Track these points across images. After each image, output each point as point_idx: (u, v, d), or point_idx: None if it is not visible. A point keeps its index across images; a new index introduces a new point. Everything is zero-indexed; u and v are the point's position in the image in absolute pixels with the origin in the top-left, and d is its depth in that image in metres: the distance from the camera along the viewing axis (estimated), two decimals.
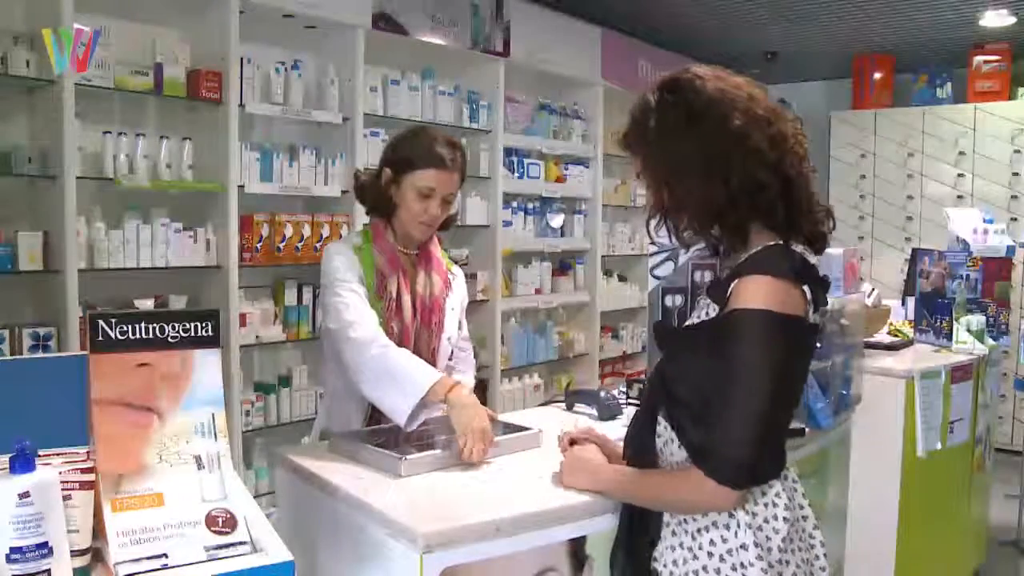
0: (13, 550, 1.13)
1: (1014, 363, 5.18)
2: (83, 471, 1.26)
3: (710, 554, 1.40)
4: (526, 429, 2.02)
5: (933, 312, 3.83)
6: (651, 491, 1.48)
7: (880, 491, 3.10)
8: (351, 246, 2.19)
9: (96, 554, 1.25)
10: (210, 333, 1.39)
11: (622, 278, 6.13)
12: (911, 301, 4.13)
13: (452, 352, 2.29)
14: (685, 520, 1.44)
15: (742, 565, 1.38)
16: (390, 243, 2.19)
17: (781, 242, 1.42)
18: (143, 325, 1.33)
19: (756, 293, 1.34)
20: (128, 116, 3.35)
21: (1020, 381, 4.62)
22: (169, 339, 1.35)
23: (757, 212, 1.41)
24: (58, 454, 1.28)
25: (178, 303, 3.34)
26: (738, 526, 1.40)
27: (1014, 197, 6.11)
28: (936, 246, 4.48)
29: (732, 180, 1.38)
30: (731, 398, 1.33)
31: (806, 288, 1.39)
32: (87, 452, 1.30)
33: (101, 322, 1.31)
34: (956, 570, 3.65)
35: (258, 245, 3.59)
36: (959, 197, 6.27)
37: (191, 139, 3.41)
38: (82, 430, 1.32)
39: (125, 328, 1.32)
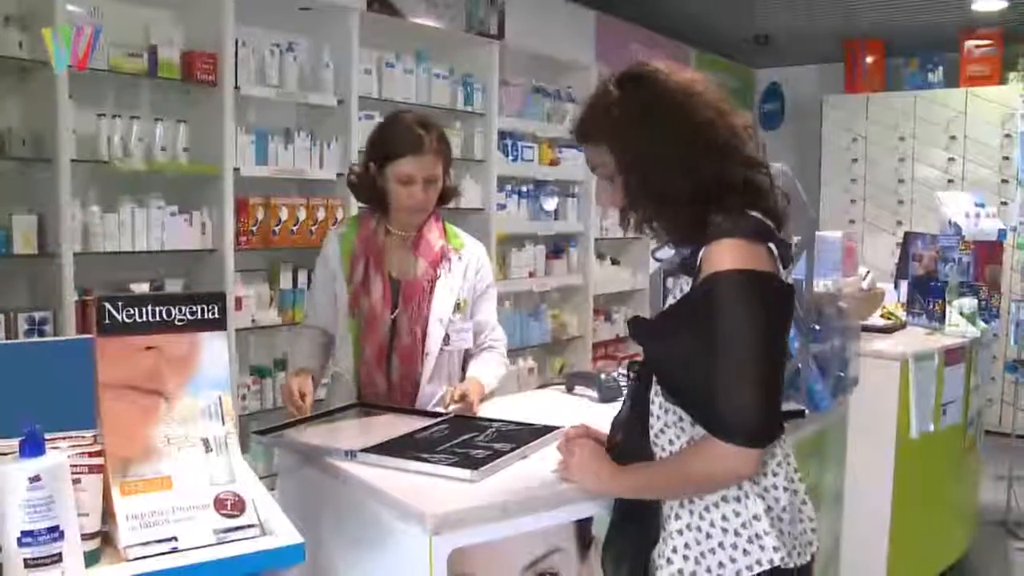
0: (24, 534, 1.13)
1: (1004, 346, 5.22)
2: (91, 455, 1.25)
3: (724, 530, 1.40)
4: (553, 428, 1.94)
5: (926, 295, 3.85)
6: (671, 476, 1.44)
7: (875, 472, 3.12)
8: (338, 234, 2.33)
9: (105, 537, 1.25)
10: (216, 316, 1.40)
11: (615, 261, 6.14)
12: (904, 284, 4.15)
13: (448, 336, 2.28)
14: (691, 501, 1.43)
15: (757, 536, 1.39)
16: (372, 228, 2.28)
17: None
18: (150, 308, 1.33)
19: (726, 255, 1.35)
20: (122, 98, 3.32)
21: (1010, 364, 4.65)
22: (176, 322, 1.35)
23: (718, 203, 1.41)
24: (64, 438, 1.28)
25: (174, 287, 3.33)
26: (747, 496, 1.41)
27: (1004, 181, 6.13)
28: (927, 230, 4.50)
29: (698, 170, 1.39)
30: (727, 361, 1.33)
31: (771, 245, 1.40)
32: (94, 436, 1.29)
33: (108, 305, 1.31)
34: (947, 549, 3.69)
35: (253, 228, 3.57)
36: (950, 181, 6.29)
37: (186, 122, 3.39)
38: (89, 414, 1.32)
39: (132, 311, 1.32)
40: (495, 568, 1.49)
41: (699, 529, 1.42)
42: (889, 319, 3.88)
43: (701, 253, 1.38)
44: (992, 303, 4.01)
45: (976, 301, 3.81)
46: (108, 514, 1.25)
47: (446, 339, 2.28)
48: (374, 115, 4.07)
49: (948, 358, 3.44)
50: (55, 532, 1.15)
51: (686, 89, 1.42)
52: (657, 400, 1.48)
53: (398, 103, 4.20)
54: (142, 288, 3.17)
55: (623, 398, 1.64)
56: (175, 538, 1.22)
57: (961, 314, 3.70)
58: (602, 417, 2.01)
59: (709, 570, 1.40)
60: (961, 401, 3.55)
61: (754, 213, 1.43)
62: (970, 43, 6.29)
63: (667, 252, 1.92)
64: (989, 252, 4.25)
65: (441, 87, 4.48)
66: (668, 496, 1.46)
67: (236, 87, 3.47)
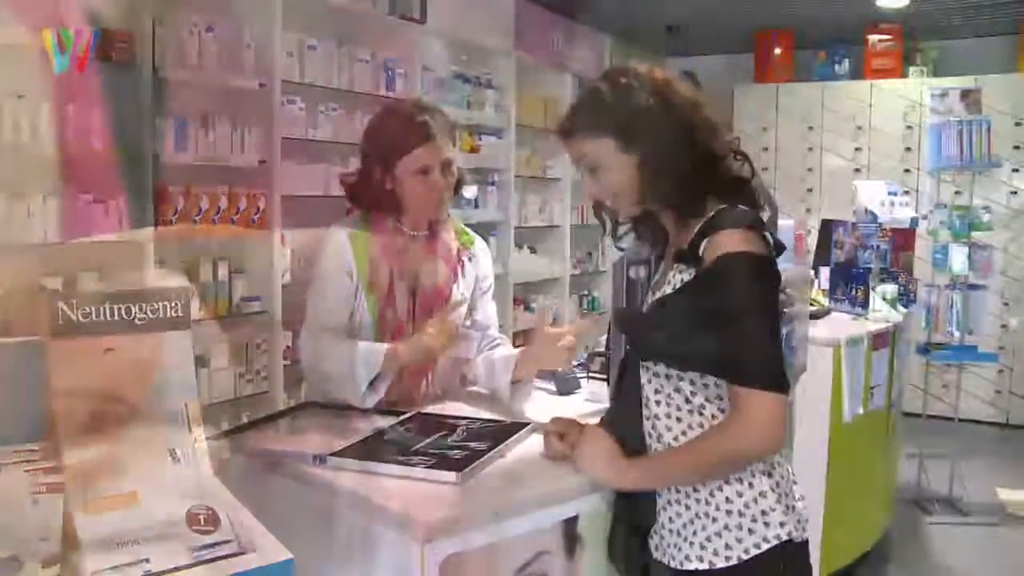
0: None
1: (915, 330, 5.42)
2: (48, 471, 1.13)
3: (728, 512, 1.44)
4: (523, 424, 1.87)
5: (848, 281, 3.96)
6: (699, 457, 1.45)
7: (810, 456, 3.17)
8: (347, 232, 2.10)
9: (64, 563, 1.12)
10: (180, 313, 1.27)
11: (532, 250, 6.11)
12: (824, 270, 4.25)
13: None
14: (695, 489, 1.46)
15: (763, 513, 1.44)
16: (389, 228, 2.09)
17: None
18: (107, 306, 1.21)
19: (733, 242, 1.43)
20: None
21: (921, 347, 4.84)
22: (136, 321, 1.23)
23: (712, 181, 1.53)
24: (12, 451, 1.15)
25: (88, 281, 3.11)
26: (753, 476, 1.45)
27: (907, 171, 6.39)
28: (836, 217, 4.62)
29: (697, 146, 1.51)
30: (743, 323, 1.40)
31: (767, 235, 1.49)
32: (43, 449, 1.17)
33: (61, 304, 1.18)
34: (872, 528, 3.82)
35: (173, 218, 3.36)
36: (856, 170, 6.52)
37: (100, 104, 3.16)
38: (39, 424, 1.19)
39: (88, 309, 1.19)
40: (487, 574, 1.42)
41: (706, 515, 1.45)
42: (812, 305, 3.96)
43: (704, 244, 1.46)
44: (910, 289, 4.15)
45: (897, 287, 3.93)
46: (67, 537, 1.13)
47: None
48: (295, 99, 3.93)
49: (875, 343, 3.54)
50: (15, 562, 1.03)
51: (666, 81, 1.55)
52: (650, 386, 1.52)
53: (320, 88, 4.06)
54: (55, 283, 2.95)
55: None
56: (147, 560, 1.11)
57: (884, 299, 3.82)
58: (562, 410, 1.96)
59: (716, 552, 1.43)
60: (885, 384, 3.67)
61: (742, 207, 1.52)
62: (874, 37, 6.51)
63: (629, 240, 1.92)
64: (903, 239, 4.40)
65: (363, 71, 4.33)
66: (693, 481, 1.47)
67: (154, 68, 3.26)
